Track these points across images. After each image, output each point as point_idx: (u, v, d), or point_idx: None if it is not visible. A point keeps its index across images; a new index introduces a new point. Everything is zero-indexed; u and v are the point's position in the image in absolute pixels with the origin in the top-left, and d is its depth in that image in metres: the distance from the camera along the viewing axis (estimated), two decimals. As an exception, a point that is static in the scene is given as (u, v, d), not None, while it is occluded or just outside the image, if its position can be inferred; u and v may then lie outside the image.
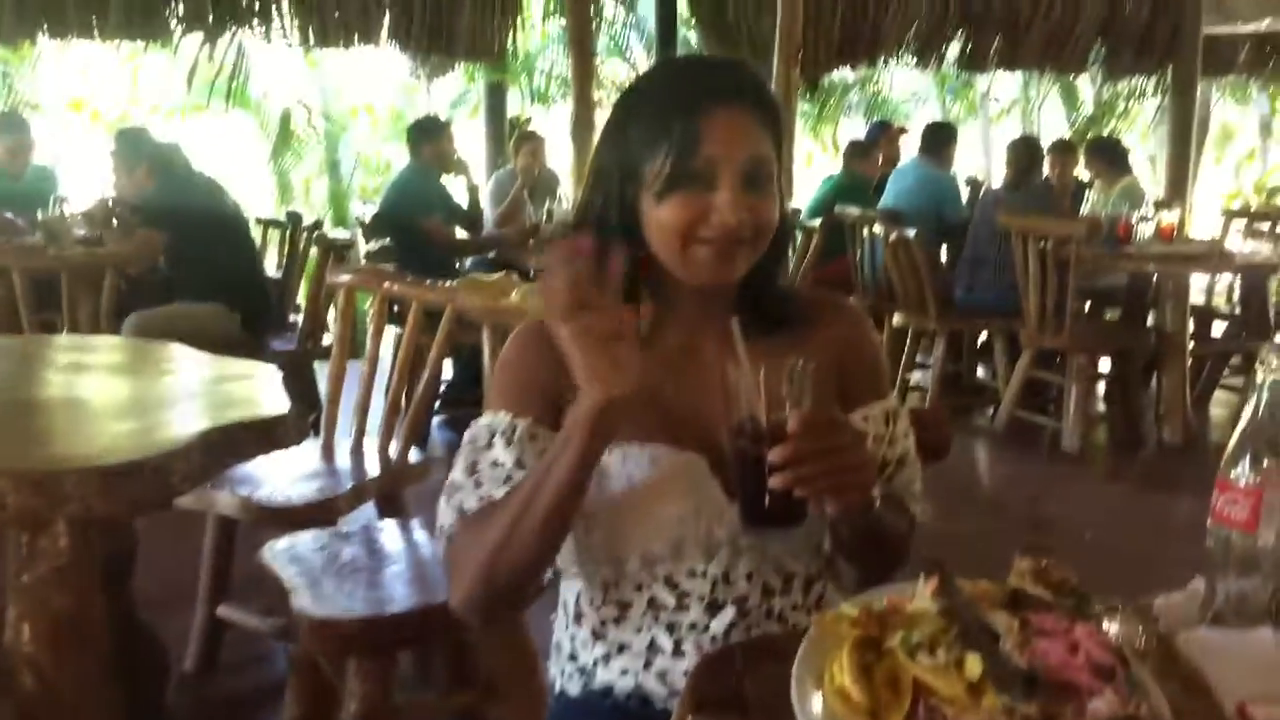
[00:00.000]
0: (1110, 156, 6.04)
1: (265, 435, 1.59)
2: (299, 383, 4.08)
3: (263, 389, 1.86)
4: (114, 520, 1.75)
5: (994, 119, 13.01)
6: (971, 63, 7.22)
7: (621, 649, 1.16)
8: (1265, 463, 0.88)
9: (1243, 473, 0.89)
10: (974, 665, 0.76)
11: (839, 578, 1.19)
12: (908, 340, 4.90)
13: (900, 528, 1.19)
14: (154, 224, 3.86)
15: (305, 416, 3.59)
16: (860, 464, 1.00)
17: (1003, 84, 12.14)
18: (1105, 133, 9.81)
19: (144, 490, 1.36)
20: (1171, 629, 0.92)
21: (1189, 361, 4.61)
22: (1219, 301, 6.28)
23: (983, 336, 5.43)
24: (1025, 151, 5.17)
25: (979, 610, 0.82)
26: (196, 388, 1.89)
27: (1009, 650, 0.77)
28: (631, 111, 1.14)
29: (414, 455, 2.46)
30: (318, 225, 4.75)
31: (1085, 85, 11.45)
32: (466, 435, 1.16)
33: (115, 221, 4.04)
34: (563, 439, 1.03)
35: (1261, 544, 0.88)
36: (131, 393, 1.88)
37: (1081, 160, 6.21)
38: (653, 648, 1.14)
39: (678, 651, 1.13)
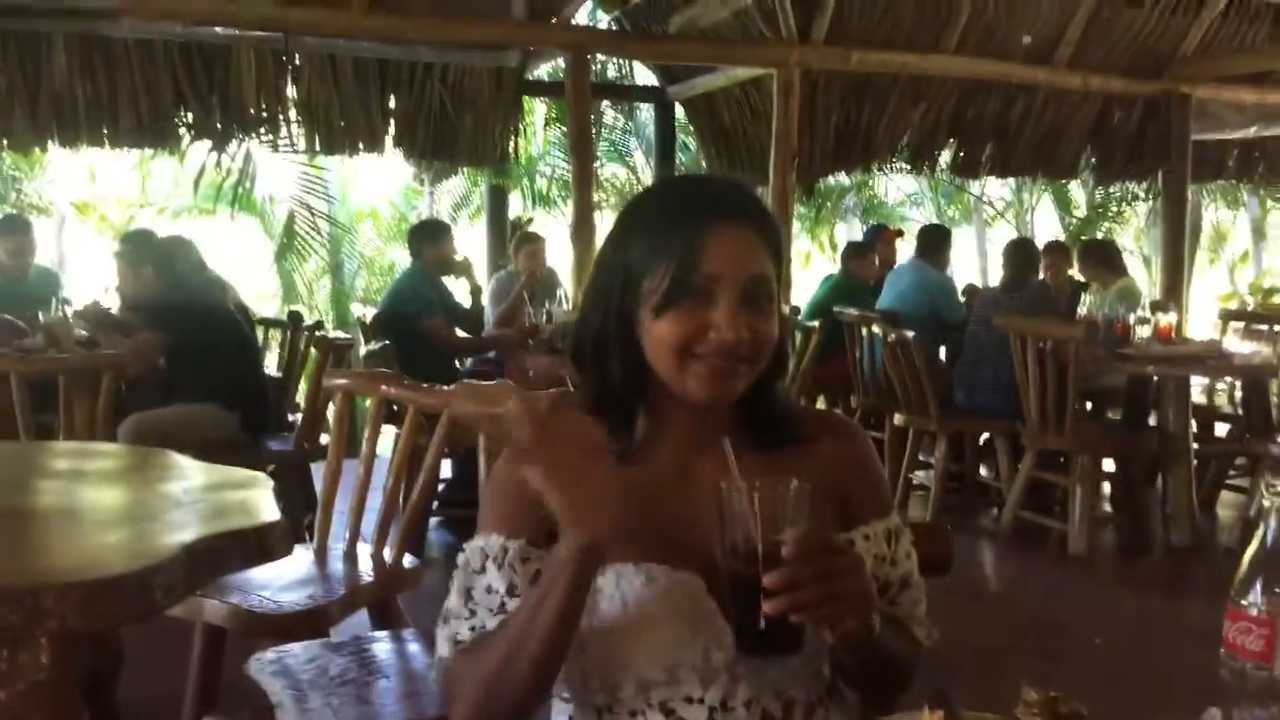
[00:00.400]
0: (1104, 258, 6.10)
1: (252, 546, 1.55)
2: (296, 484, 4.06)
3: (256, 497, 1.83)
4: (95, 633, 1.70)
5: (988, 222, 13.23)
6: (964, 169, 7.37)
7: None
8: (1277, 590, 0.85)
9: (1254, 601, 0.86)
10: (982, 806, 0.72)
11: (842, 703, 1.15)
12: (909, 440, 4.87)
13: (904, 653, 1.16)
14: (155, 324, 3.88)
15: (297, 526, 3.58)
16: (859, 589, 0.98)
17: (996, 187, 12.36)
18: (1099, 235, 9.95)
19: (126, 605, 1.32)
20: (1189, 762, 0.89)
21: (1194, 463, 4.58)
22: (1220, 401, 6.26)
23: (984, 436, 5.41)
24: (1021, 253, 5.23)
25: (986, 746, 0.78)
26: (187, 497, 1.85)
27: (1018, 790, 0.73)
28: (632, 227, 1.14)
29: (409, 560, 2.42)
30: (319, 326, 4.78)
31: (1078, 188, 11.67)
32: (460, 558, 1.15)
33: (111, 321, 4.06)
34: (549, 579, 1.02)
35: (1279, 674, 0.85)
36: (121, 502, 1.85)
37: (1076, 262, 6.28)
38: None
39: None
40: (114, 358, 3.57)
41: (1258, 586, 0.86)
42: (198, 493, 1.93)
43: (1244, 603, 0.86)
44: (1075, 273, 6.12)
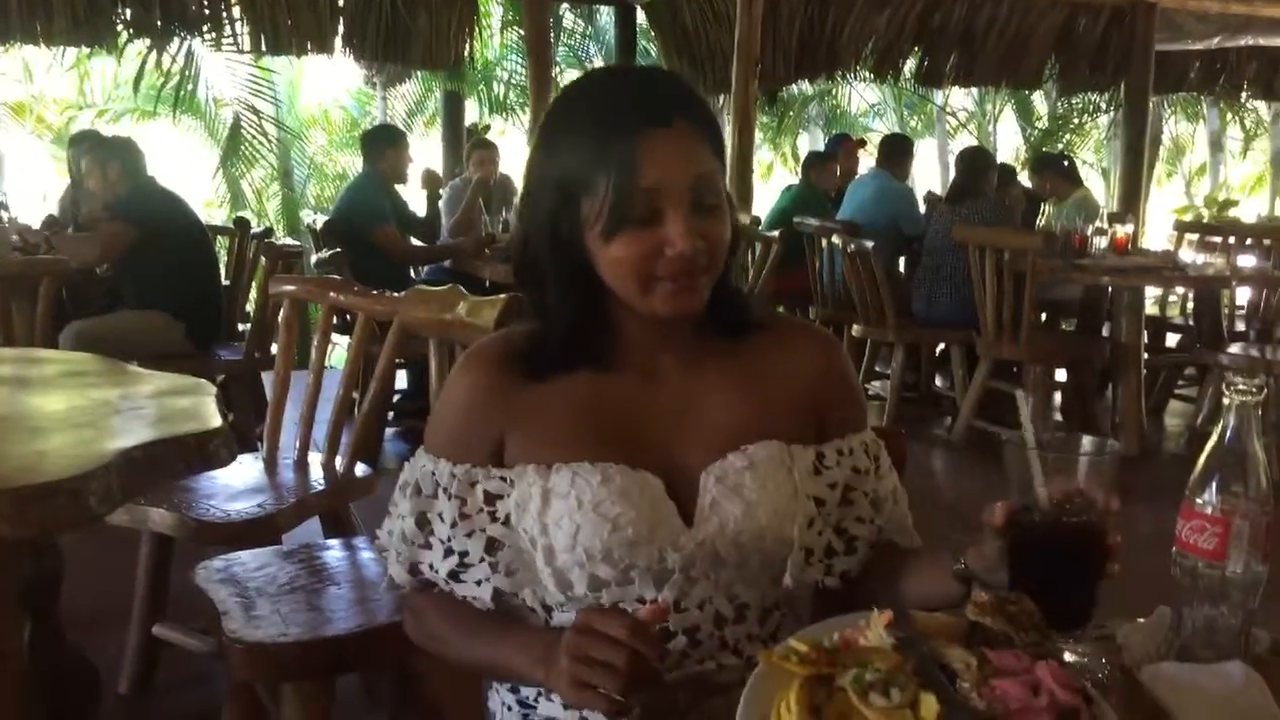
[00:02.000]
0: (1061, 169, 6.10)
1: (194, 453, 1.51)
2: (247, 394, 4.00)
3: (198, 404, 1.78)
4: (34, 541, 1.66)
5: (951, 133, 13.16)
6: (928, 78, 7.28)
7: None
8: (1233, 489, 0.84)
9: (1209, 500, 0.85)
10: (929, 706, 0.71)
11: (794, 609, 1.15)
12: (866, 351, 4.89)
13: None
14: (123, 217, 3.86)
15: (249, 435, 3.56)
16: None
17: (960, 98, 12.28)
18: (1059, 147, 9.96)
19: (58, 513, 1.28)
20: (1136, 661, 0.88)
21: (1144, 372, 4.65)
22: (1173, 312, 6.35)
23: (940, 347, 5.46)
24: (973, 161, 5.19)
25: (935, 646, 0.77)
26: (126, 403, 1.80)
27: (967, 690, 0.72)
28: (560, 138, 1.06)
29: (362, 469, 2.39)
30: (268, 233, 4.66)
31: (1040, 101, 11.63)
32: (408, 472, 1.14)
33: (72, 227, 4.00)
34: (524, 662, 1.02)
35: (1230, 573, 0.85)
36: (58, 408, 1.79)
37: (1031, 174, 6.28)
38: None
39: None
40: (53, 263, 3.46)
41: (1213, 485, 0.85)
42: (138, 399, 1.87)
43: (1199, 501, 0.85)
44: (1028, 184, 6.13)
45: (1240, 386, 0.83)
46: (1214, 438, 0.85)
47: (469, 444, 1.10)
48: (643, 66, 1.43)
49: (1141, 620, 0.95)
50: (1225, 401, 0.84)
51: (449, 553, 1.10)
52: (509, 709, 1.15)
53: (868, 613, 0.82)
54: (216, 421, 1.63)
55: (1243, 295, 5.17)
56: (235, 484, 2.25)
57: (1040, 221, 5.56)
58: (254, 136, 6.78)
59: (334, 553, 2.00)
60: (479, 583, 1.09)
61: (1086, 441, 0.92)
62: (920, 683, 0.73)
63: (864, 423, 1.19)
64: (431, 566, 1.11)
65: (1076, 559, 0.89)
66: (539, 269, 1.07)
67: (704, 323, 1.11)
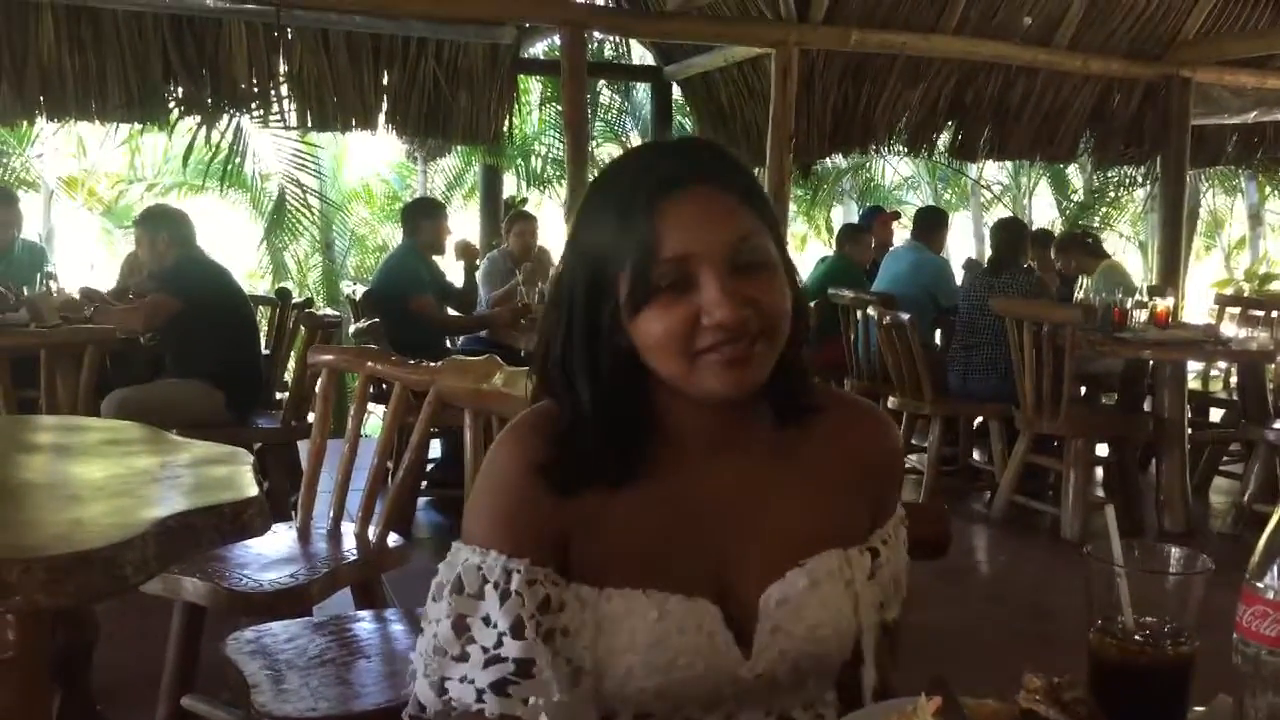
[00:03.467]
0: (1083, 246, 6.06)
1: (228, 523, 1.50)
2: (283, 463, 4.02)
3: (235, 473, 1.78)
4: (70, 610, 1.66)
5: (985, 205, 13.18)
6: (962, 152, 7.31)
7: None
8: (1296, 572, 0.81)
9: (1272, 584, 0.81)
10: (982, 799, 0.68)
11: None
12: (903, 423, 4.84)
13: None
14: (167, 287, 3.95)
15: (284, 504, 3.57)
16: None
17: (994, 171, 12.32)
18: (1096, 220, 9.92)
19: (93, 582, 1.27)
20: (1198, 754, 0.84)
21: (1188, 448, 4.55)
22: (1215, 387, 6.24)
23: (978, 420, 5.39)
24: (1009, 232, 5.18)
25: (986, 735, 0.74)
26: (164, 471, 1.81)
27: (1021, 783, 0.69)
28: (587, 221, 0.98)
29: (394, 539, 2.37)
30: (308, 303, 4.73)
31: (1075, 174, 11.63)
32: (446, 571, 0.97)
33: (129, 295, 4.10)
34: None
35: (1296, 662, 0.81)
36: (96, 476, 1.80)
37: (1054, 255, 6.24)
38: None
39: None
40: (98, 331, 3.52)
41: (1275, 569, 0.81)
42: (175, 468, 1.88)
43: (1260, 585, 0.82)
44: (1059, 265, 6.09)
45: (1301, 465, 0.80)
46: (1274, 519, 0.82)
47: (523, 533, 0.95)
48: (678, 137, 1.33)
49: (1201, 709, 0.91)
50: (1285, 480, 0.81)
51: (494, 661, 0.92)
52: None
53: (915, 698, 0.79)
54: (252, 491, 1.64)
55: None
56: (269, 553, 2.25)
57: (1078, 294, 5.52)
58: (298, 209, 6.93)
59: (365, 624, 1.98)
60: (526, 701, 0.93)
61: (1177, 557, 0.87)
62: (971, 774, 0.70)
63: (899, 501, 1.12)
64: (465, 680, 0.93)
65: (1165, 687, 0.84)
66: (571, 368, 0.97)
67: (759, 408, 1.02)
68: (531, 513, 0.95)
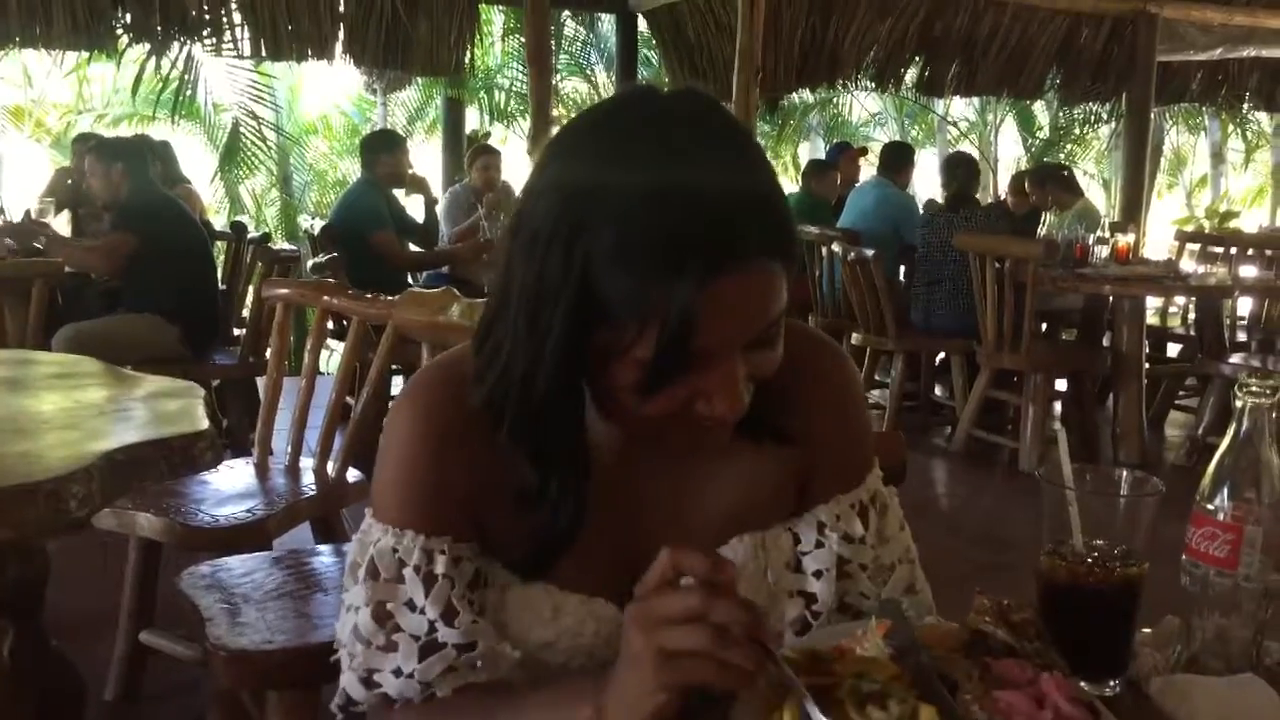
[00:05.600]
0: (1061, 180, 6.09)
1: (178, 456, 1.47)
2: (242, 399, 3.97)
3: (185, 407, 1.75)
4: (18, 545, 1.63)
5: (952, 142, 13.16)
6: (929, 88, 7.28)
7: None
8: (1245, 495, 0.81)
9: (1221, 506, 0.82)
10: (928, 719, 0.68)
11: None
12: (866, 359, 4.87)
13: None
14: (124, 223, 3.84)
15: (243, 441, 3.53)
16: None
17: (960, 108, 12.29)
18: (1061, 157, 9.96)
19: (37, 515, 1.24)
20: (1144, 673, 0.85)
21: (1145, 382, 4.62)
22: (1173, 323, 6.33)
23: (940, 356, 5.43)
24: (961, 168, 5.17)
25: (935, 656, 0.74)
26: (111, 405, 1.77)
27: (968, 702, 0.69)
28: (585, 220, 0.74)
29: (354, 475, 2.36)
30: (265, 238, 4.63)
31: (1042, 111, 11.63)
32: (357, 550, 0.88)
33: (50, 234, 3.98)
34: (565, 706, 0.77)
35: (1242, 581, 0.82)
36: (43, 410, 1.76)
37: (1031, 186, 6.27)
38: None
39: None
40: (45, 265, 3.44)
41: (1225, 491, 0.82)
42: (126, 401, 1.84)
43: (1210, 508, 0.82)
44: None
45: (1254, 389, 0.80)
46: (1225, 442, 0.82)
47: (439, 508, 0.86)
48: (729, 145, 0.77)
49: (1148, 631, 0.92)
50: (1238, 404, 0.81)
51: (432, 649, 0.85)
52: None
53: (865, 621, 0.79)
54: (204, 424, 1.60)
55: (1244, 306, 5.15)
56: (225, 489, 2.23)
57: (1041, 231, 5.54)
58: (253, 142, 6.76)
59: (323, 559, 1.97)
60: (475, 665, 0.86)
61: (1127, 480, 0.86)
62: (919, 694, 0.70)
63: (864, 471, 0.97)
64: (399, 673, 0.85)
65: (1113, 608, 0.84)
66: (524, 390, 0.80)
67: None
68: (445, 483, 0.86)
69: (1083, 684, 0.74)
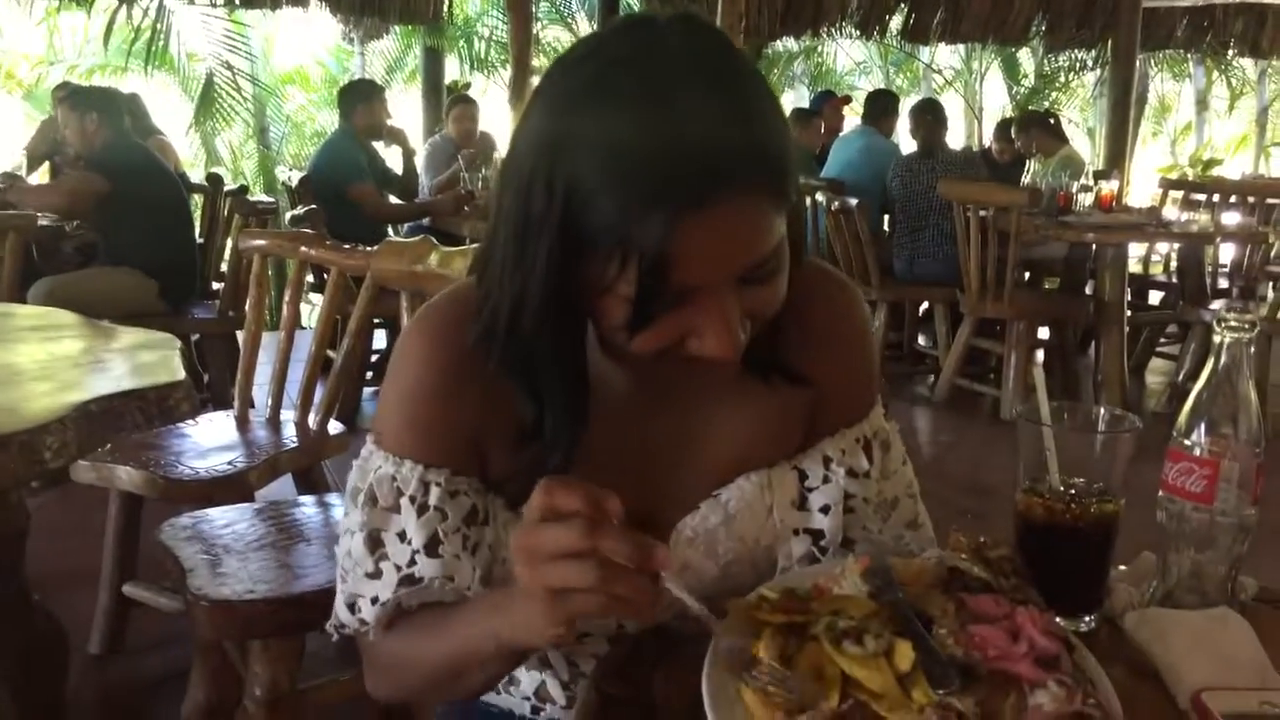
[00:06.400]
0: (1047, 126, 6.06)
1: (153, 407, 1.46)
2: (222, 353, 3.94)
3: (161, 358, 1.73)
4: (-5, 498, 1.62)
5: (937, 90, 13.06)
6: (914, 34, 7.21)
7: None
8: (1222, 430, 0.81)
9: (1198, 441, 0.82)
10: (904, 654, 0.68)
11: None
12: (850, 310, 4.86)
13: None
14: (95, 168, 3.78)
15: (225, 395, 3.51)
16: None
17: (946, 56, 12.19)
18: (1045, 105, 9.90)
19: (11, 466, 1.23)
20: (1119, 609, 0.86)
21: (1126, 330, 4.64)
22: (1155, 271, 6.35)
23: (924, 306, 5.44)
24: (930, 115, 5.14)
25: (912, 593, 0.74)
26: (89, 357, 1.75)
27: (944, 637, 0.69)
28: (566, 150, 0.73)
29: (336, 427, 2.35)
30: (242, 190, 4.57)
31: (1027, 58, 11.55)
32: (357, 476, 0.89)
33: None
34: (483, 622, 0.78)
35: (1219, 517, 0.82)
36: (17, 361, 1.74)
37: (1014, 133, 6.24)
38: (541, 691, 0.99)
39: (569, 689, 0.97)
40: (17, 218, 3.38)
41: (1202, 426, 0.81)
42: (101, 353, 1.82)
43: (1187, 443, 0.82)
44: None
45: (1233, 323, 0.79)
46: (1203, 377, 0.82)
47: (441, 439, 0.86)
48: (705, 70, 0.72)
49: (1124, 568, 0.92)
50: (1216, 339, 0.81)
51: (408, 581, 0.86)
52: None
53: (842, 559, 0.79)
54: (180, 375, 1.59)
55: (1226, 254, 5.17)
56: (205, 442, 2.21)
57: (1026, 179, 5.52)
58: (228, 93, 6.65)
59: (306, 510, 1.96)
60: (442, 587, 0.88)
61: (1104, 417, 0.85)
62: (895, 630, 0.70)
63: (868, 407, 0.96)
64: (375, 601, 0.87)
65: (1089, 544, 0.84)
66: (522, 332, 0.80)
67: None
68: (450, 415, 0.85)
69: (1058, 619, 0.74)
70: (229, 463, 2.10)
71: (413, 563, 0.85)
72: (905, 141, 6.94)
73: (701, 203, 0.70)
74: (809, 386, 0.91)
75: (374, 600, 0.87)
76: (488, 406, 0.85)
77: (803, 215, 0.83)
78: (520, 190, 0.75)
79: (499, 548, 0.88)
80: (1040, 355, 4.88)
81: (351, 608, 0.88)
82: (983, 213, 4.25)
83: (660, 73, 0.72)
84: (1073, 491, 0.83)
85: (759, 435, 0.92)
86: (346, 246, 2.29)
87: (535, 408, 0.83)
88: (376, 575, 0.86)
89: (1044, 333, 4.84)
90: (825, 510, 0.93)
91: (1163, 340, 5.50)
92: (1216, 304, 4.50)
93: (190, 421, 2.30)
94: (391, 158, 5.26)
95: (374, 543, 0.86)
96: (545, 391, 0.82)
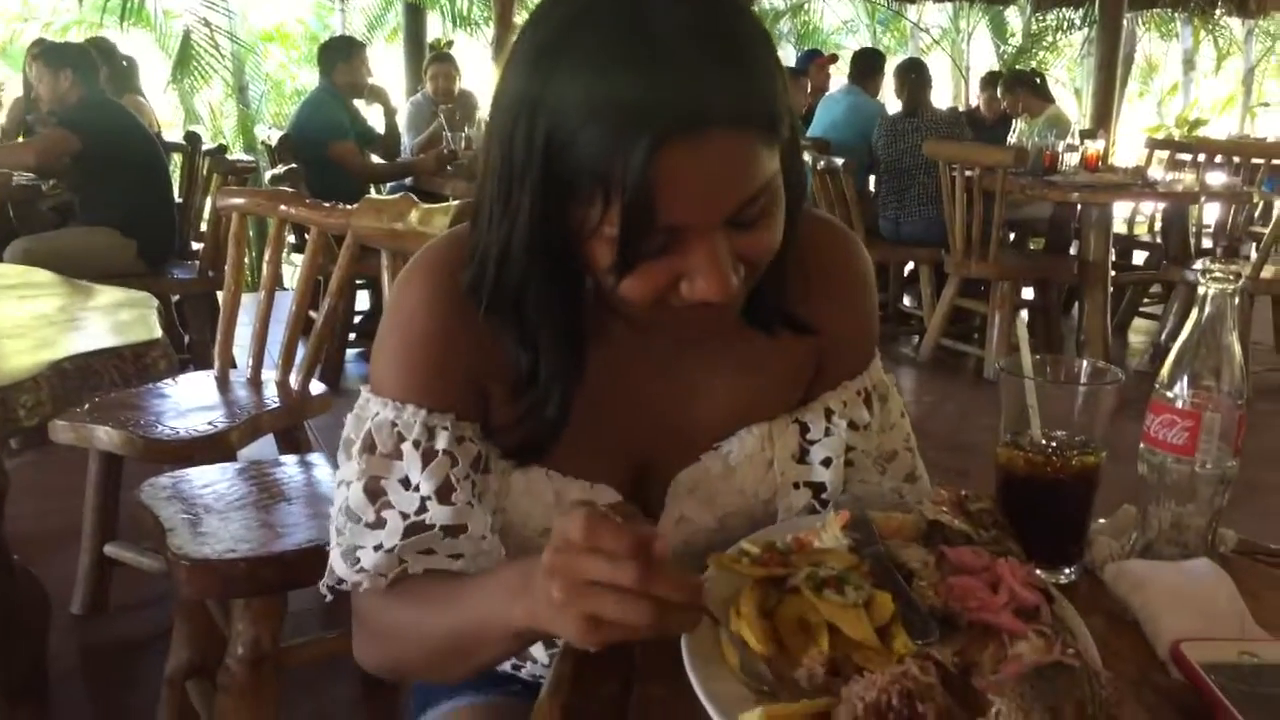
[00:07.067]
0: (1032, 86, 6.02)
1: (130, 365, 1.44)
2: (204, 314, 3.91)
3: (137, 316, 1.71)
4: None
5: (924, 50, 12.96)
6: (902, -10, 7.13)
7: None
8: (1205, 382, 0.81)
9: (1180, 394, 0.81)
10: (884, 606, 0.68)
11: None
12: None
13: None
14: (68, 125, 3.71)
15: (202, 352, 3.48)
16: None
17: (933, 14, 12.09)
18: (1033, 64, 9.86)
19: (-16, 424, 1.22)
20: (1099, 561, 0.86)
21: (1110, 290, 4.65)
22: (1140, 231, 6.35)
23: (909, 267, 5.44)
24: (915, 73, 5.11)
25: (891, 546, 0.74)
26: (64, 315, 1.72)
27: (924, 589, 0.69)
28: (547, 89, 0.71)
29: (319, 387, 2.33)
30: (221, 149, 4.51)
31: (1014, 17, 11.47)
32: (359, 420, 0.85)
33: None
34: (495, 605, 0.73)
35: (1200, 468, 0.81)
36: (-11, 320, 1.71)
37: (1003, 92, 6.20)
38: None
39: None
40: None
41: (1185, 378, 0.81)
42: (78, 312, 1.80)
43: (1169, 395, 0.82)
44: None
45: (1218, 274, 0.79)
46: (1187, 329, 0.81)
47: (445, 383, 0.83)
48: (690, 3, 0.71)
49: (1104, 521, 0.92)
50: (1201, 291, 0.80)
51: (417, 529, 0.83)
52: None
53: (823, 514, 0.79)
54: (156, 333, 1.57)
55: (1210, 214, 5.16)
56: (185, 402, 2.20)
57: (1011, 138, 5.50)
58: (206, 51, 6.53)
59: (288, 469, 1.95)
60: (457, 557, 0.85)
61: (1087, 369, 0.84)
62: (875, 582, 0.70)
63: (867, 359, 0.96)
64: (379, 549, 0.83)
65: (1070, 497, 0.84)
66: (509, 281, 0.78)
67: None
68: (452, 359, 0.83)
69: (1038, 572, 0.74)
70: (209, 423, 2.09)
71: (422, 509, 0.82)
72: (892, 102, 6.91)
73: (683, 133, 0.67)
74: (812, 337, 0.89)
75: (377, 548, 0.83)
76: (488, 352, 0.82)
77: (801, 159, 0.80)
78: (504, 140, 0.74)
79: (502, 497, 0.86)
80: (1024, 315, 4.89)
81: (351, 561, 0.84)
82: (968, 172, 4.24)
83: (640, 6, 0.70)
84: (1054, 444, 0.82)
85: (761, 388, 0.91)
86: (326, 205, 2.27)
87: (529, 356, 0.81)
88: (379, 525, 0.83)
89: (1028, 293, 4.84)
90: (826, 463, 0.92)
91: (1146, 300, 5.52)
92: (1200, 263, 4.50)
93: (170, 382, 2.29)
94: (373, 116, 5.19)
95: (374, 491, 0.83)
96: (538, 340, 0.81)
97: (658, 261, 0.73)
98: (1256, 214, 5.40)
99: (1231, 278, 0.78)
